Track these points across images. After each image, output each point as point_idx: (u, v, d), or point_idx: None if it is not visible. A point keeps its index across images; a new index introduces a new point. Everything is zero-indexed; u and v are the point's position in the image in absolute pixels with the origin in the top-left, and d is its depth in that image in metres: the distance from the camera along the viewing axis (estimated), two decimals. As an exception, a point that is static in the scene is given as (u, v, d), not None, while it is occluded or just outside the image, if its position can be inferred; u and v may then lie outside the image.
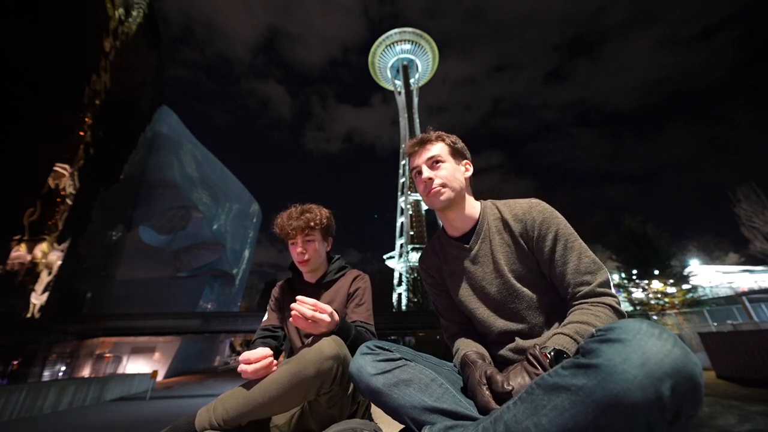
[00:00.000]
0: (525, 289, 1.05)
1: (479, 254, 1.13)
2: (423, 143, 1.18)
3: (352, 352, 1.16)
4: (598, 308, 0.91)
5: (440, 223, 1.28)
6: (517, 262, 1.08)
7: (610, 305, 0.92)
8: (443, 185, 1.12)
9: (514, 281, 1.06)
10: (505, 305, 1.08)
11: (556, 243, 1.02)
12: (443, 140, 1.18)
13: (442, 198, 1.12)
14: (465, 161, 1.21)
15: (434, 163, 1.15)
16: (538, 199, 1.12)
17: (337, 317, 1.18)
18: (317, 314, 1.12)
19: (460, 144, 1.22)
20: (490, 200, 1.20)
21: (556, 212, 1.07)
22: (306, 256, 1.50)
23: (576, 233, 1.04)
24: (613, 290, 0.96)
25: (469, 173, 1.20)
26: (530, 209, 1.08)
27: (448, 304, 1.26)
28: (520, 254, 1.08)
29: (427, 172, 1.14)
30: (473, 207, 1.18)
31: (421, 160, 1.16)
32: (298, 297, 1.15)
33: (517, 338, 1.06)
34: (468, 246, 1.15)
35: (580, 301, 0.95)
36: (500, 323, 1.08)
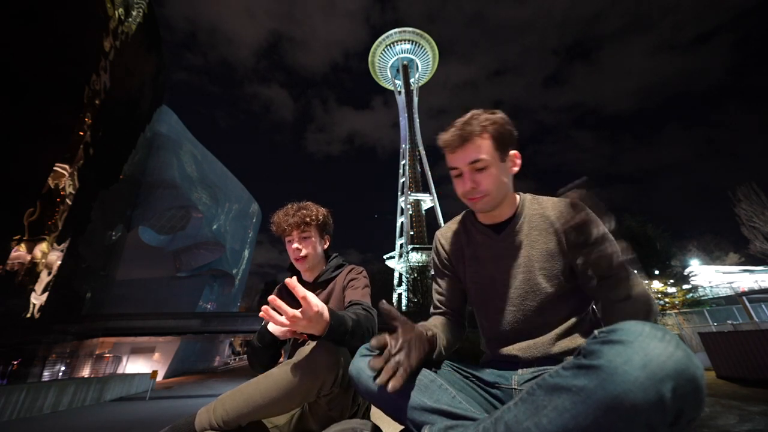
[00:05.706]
0: (550, 289, 1.02)
1: (510, 246, 1.08)
2: (464, 140, 0.98)
3: (355, 341, 1.07)
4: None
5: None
6: (549, 260, 1.04)
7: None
8: (486, 194, 1.01)
9: (540, 278, 1.03)
10: (523, 301, 1.05)
11: (595, 244, 0.98)
12: (489, 133, 0.99)
13: (484, 206, 1.04)
14: (513, 152, 1.04)
15: (478, 168, 0.99)
16: None
17: (326, 315, 0.97)
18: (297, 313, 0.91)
19: (508, 128, 1.01)
20: (530, 194, 1.15)
21: None
22: (302, 253, 1.50)
23: (614, 239, 1.01)
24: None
25: (517, 167, 1.06)
26: (576, 206, 1.05)
27: (450, 287, 1.22)
28: (557, 251, 1.04)
29: (468, 179, 1.00)
30: (512, 200, 1.11)
31: (462, 162, 1.00)
32: (270, 297, 0.94)
33: (523, 337, 1.04)
34: (499, 236, 1.10)
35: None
36: (511, 318, 1.06)
